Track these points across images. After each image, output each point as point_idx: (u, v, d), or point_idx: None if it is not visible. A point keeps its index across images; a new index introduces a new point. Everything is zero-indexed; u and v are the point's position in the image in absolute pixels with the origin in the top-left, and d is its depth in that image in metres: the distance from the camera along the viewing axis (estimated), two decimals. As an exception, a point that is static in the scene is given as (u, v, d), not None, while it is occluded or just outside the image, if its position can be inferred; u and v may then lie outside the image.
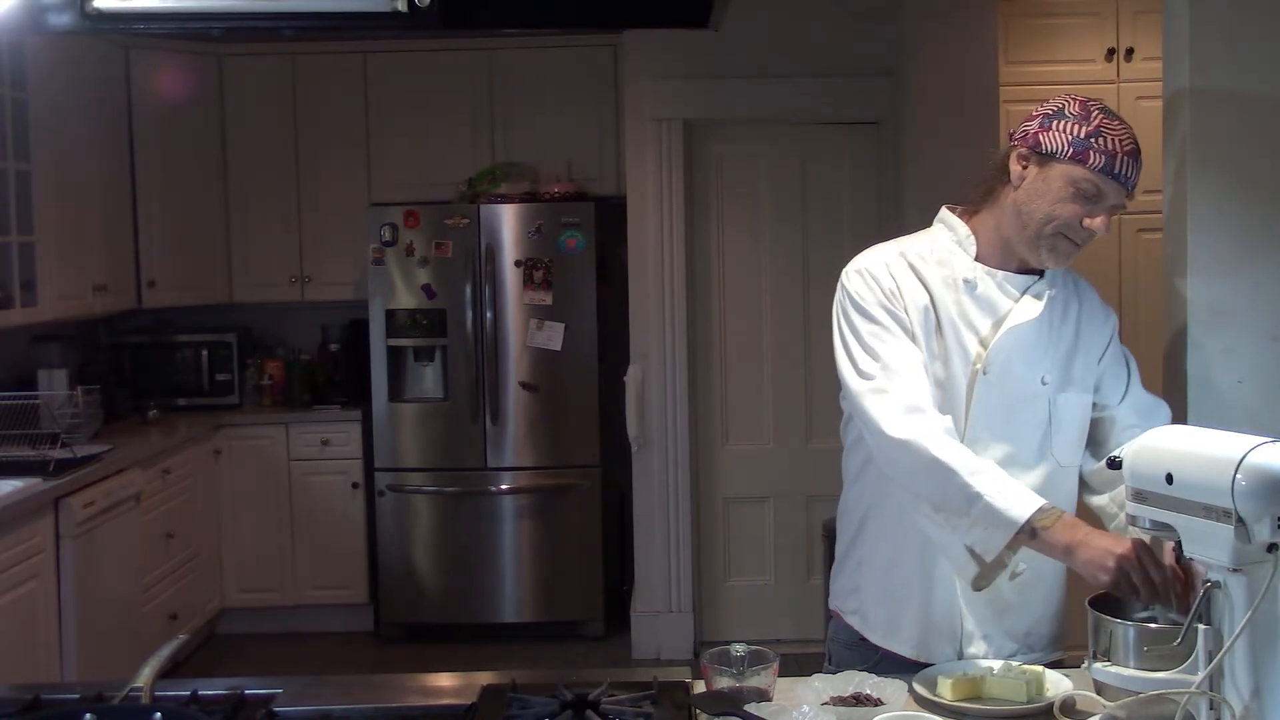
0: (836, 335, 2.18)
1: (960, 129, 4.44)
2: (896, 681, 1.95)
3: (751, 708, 1.79)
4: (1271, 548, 1.61)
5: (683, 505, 5.39)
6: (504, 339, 5.53)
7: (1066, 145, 2.05)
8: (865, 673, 2.00)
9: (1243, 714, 1.66)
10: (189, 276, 5.81)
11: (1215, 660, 1.67)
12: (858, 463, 2.25)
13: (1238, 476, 1.61)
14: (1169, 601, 1.85)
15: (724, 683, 1.88)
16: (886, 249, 2.22)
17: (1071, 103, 2.09)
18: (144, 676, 1.84)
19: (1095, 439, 2.22)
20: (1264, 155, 2.36)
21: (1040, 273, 2.17)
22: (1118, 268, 4.42)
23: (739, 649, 1.93)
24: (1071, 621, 2.22)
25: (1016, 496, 1.98)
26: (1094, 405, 2.20)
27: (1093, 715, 1.83)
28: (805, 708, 1.81)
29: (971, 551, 2.02)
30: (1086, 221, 2.07)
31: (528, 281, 5.50)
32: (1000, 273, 2.16)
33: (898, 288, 2.14)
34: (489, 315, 5.51)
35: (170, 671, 2.17)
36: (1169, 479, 1.71)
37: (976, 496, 1.97)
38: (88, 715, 1.76)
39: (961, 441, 2.08)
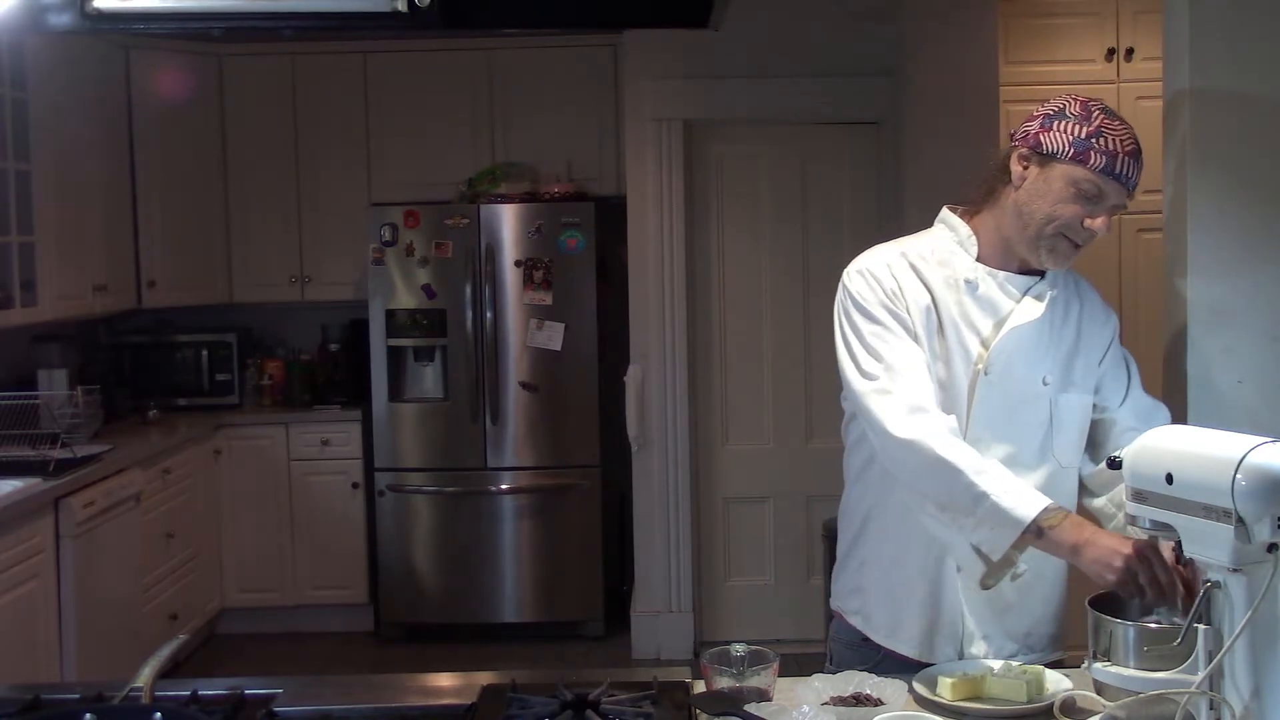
0: (838, 336, 2.18)
1: (960, 129, 4.44)
2: (896, 681, 1.95)
3: (751, 708, 1.79)
4: (1271, 548, 1.61)
5: (683, 505, 5.39)
6: (504, 339, 5.53)
7: (1067, 145, 2.05)
8: (865, 673, 2.00)
9: (1243, 714, 1.66)
10: (189, 276, 5.81)
11: (1215, 660, 1.66)
12: (859, 463, 2.25)
13: (1238, 476, 1.61)
14: (1175, 602, 1.85)
15: (724, 683, 1.88)
16: (888, 249, 2.22)
17: (1072, 103, 2.09)
18: (144, 676, 1.84)
19: (1094, 441, 2.22)
20: (1264, 155, 2.36)
21: (1041, 273, 2.17)
22: (1118, 268, 4.42)
23: (739, 649, 1.93)
24: (1071, 622, 2.22)
25: (1022, 496, 1.98)
26: (1094, 407, 2.21)
27: (1093, 715, 1.83)
28: (805, 708, 1.81)
29: (977, 551, 2.02)
30: (1087, 222, 2.07)
31: (528, 281, 5.50)
32: (1001, 273, 2.16)
33: (899, 288, 2.14)
34: (489, 315, 5.51)
35: (170, 671, 2.17)
36: (1169, 479, 1.71)
37: (982, 496, 1.97)
38: (88, 715, 1.76)
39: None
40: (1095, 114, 2.06)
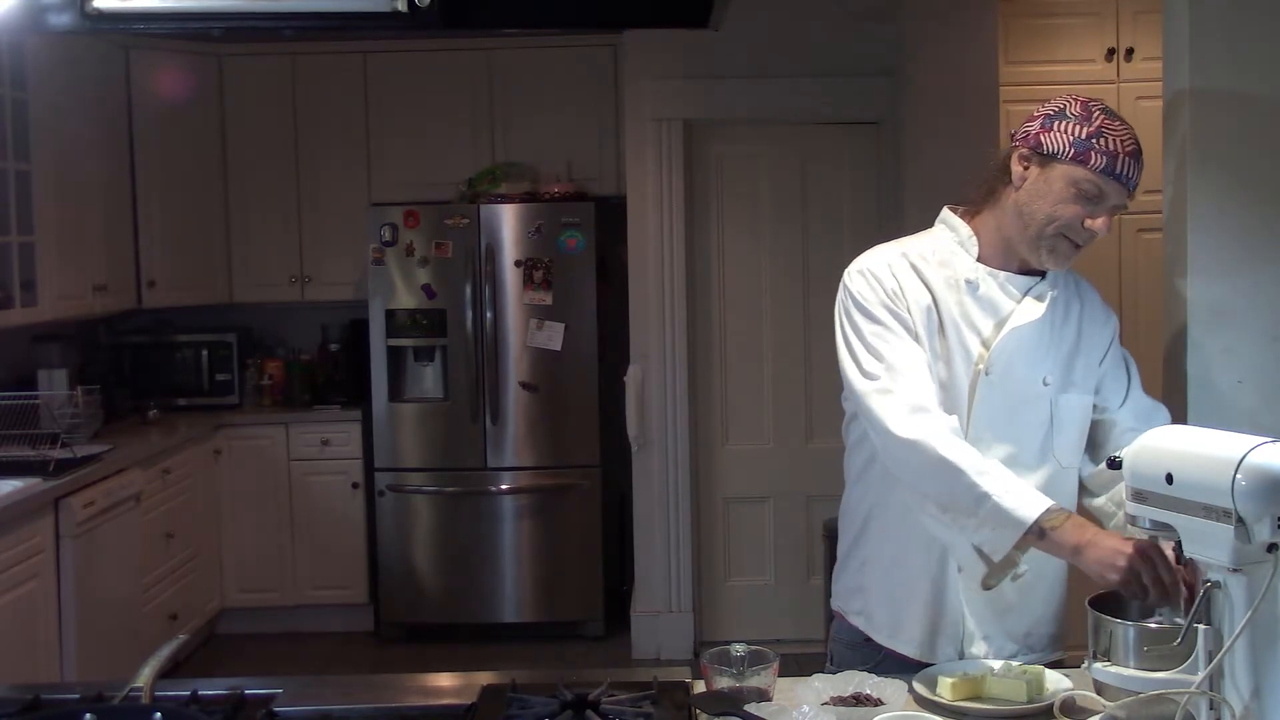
0: (839, 336, 2.18)
1: (960, 129, 4.44)
2: (896, 681, 1.94)
3: (751, 708, 1.79)
4: (1271, 548, 1.61)
5: (683, 505, 5.39)
6: (504, 339, 5.53)
7: (1068, 146, 2.05)
8: (865, 673, 2.00)
9: (1243, 714, 1.66)
10: (189, 276, 5.81)
11: (1215, 660, 1.66)
12: (860, 463, 2.25)
13: (1238, 476, 1.61)
14: (1178, 601, 1.85)
15: (724, 683, 1.88)
16: (888, 249, 2.22)
17: (1073, 103, 2.09)
18: (144, 676, 1.84)
19: (1094, 442, 2.22)
20: (1264, 155, 2.36)
21: (1042, 273, 2.17)
22: (1118, 268, 4.42)
23: (739, 649, 1.93)
24: (1072, 622, 2.22)
25: (1024, 496, 1.98)
26: (1094, 408, 2.21)
27: (1093, 715, 1.83)
28: (805, 708, 1.81)
29: (979, 551, 2.02)
30: (1088, 222, 2.07)
31: (528, 281, 5.50)
32: (1002, 273, 2.16)
33: (900, 288, 2.14)
34: (489, 315, 5.51)
35: (170, 671, 2.17)
36: (1169, 479, 1.71)
37: (984, 496, 1.97)
38: (88, 715, 1.76)
39: (963, 442, 2.07)
40: (1096, 114, 2.06)
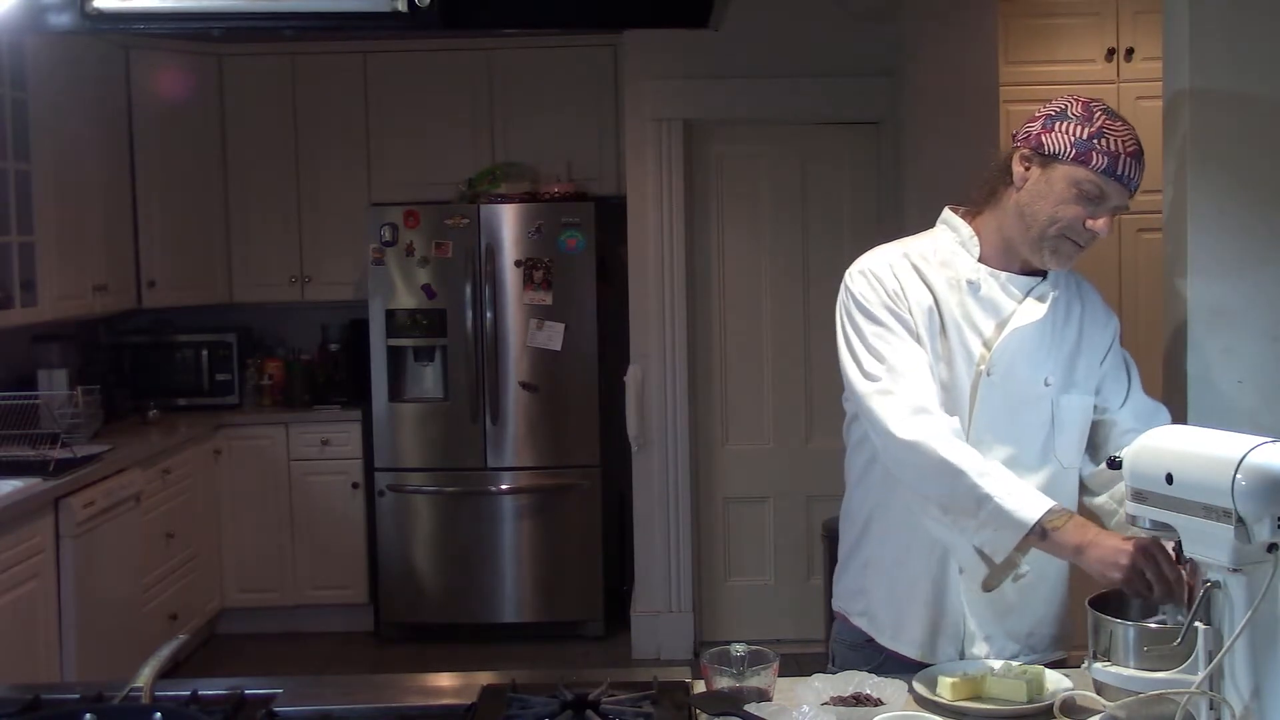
0: (840, 337, 2.18)
1: (960, 129, 4.44)
2: (896, 681, 1.94)
3: (751, 708, 1.79)
4: (1271, 548, 1.61)
5: (683, 505, 5.39)
6: (504, 339, 5.53)
7: (1069, 146, 2.05)
8: (865, 673, 2.00)
9: (1243, 714, 1.66)
10: (189, 276, 5.81)
11: (1215, 660, 1.66)
12: (861, 464, 2.25)
13: (1238, 476, 1.61)
14: (1181, 599, 1.85)
15: (724, 683, 1.88)
16: (890, 250, 2.22)
17: (1074, 103, 2.09)
18: (144, 676, 1.84)
19: (1094, 442, 2.22)
20: (1264, 155, 2.36)
21: (1043, 274, 2.17)
22: (1118, 268, 4.42)
23: (739, 649, 1.93)
24: (1073, 622, 2.22)
25: (1026, 497, 1.98)
26: (1095, 408, 2.20)
27: (1093, 715, 1.83)
28: (805, 708, 1.81)
29: (980, 553, 2.01)
30: (1089, 223, 2.07)
31: (528, 281, 5.50)
32: (1003, 274, 2.16)
33: (901, 289, 2.14)
34: (489, 315, 5.51)
35: (170, 671, 2.17)
36: (1169, 479, 1.71)
37: (986, 498, 1.97)
38: (88, 715, 1.76)
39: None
40: (1097, 115, 2.06)
